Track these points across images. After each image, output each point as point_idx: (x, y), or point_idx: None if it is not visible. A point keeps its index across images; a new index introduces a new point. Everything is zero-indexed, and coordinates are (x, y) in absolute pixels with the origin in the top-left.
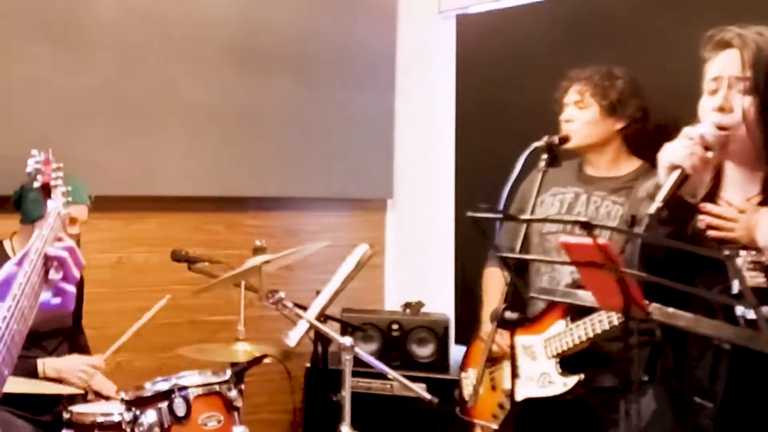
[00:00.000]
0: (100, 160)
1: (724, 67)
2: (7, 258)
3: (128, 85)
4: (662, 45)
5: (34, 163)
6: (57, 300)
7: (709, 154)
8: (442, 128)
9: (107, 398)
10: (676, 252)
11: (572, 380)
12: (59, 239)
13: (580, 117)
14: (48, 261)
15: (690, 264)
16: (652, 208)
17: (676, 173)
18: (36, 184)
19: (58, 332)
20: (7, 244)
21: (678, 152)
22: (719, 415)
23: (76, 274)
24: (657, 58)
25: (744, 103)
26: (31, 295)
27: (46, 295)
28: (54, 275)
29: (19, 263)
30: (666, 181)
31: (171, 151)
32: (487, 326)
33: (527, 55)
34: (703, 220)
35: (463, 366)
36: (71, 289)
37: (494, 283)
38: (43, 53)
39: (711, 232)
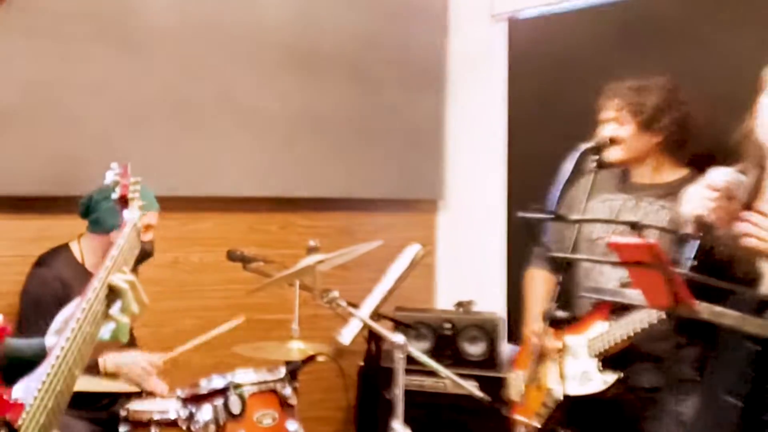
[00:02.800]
0: (158, 161)
1: None
2: (74, 260)
3: (187, 87)
4: (711, 51)
5: (113, 176)
6: (111, 330)
7: (734, 205)
8: (493, 130)
9: (161, 397)
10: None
11: (611, 378)
12: (134, 271)
13: (619, 133)
14: (111, 291)
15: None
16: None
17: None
18: (114, 196)
19: None
20: (74, 246)
21: (693, 203)
22: (748, 414)
23: (134, 309)
24: (706, 63)
25: None
26: (93, 322)
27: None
28: (113, 309)
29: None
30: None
31: (227, 152)
32: (530, 326)
33: (578, 59)
34: (740, 228)
35: (512, 367)
36: (125, 320)
37: (537, 284)
38: (104, 57)
39: (747, 240)
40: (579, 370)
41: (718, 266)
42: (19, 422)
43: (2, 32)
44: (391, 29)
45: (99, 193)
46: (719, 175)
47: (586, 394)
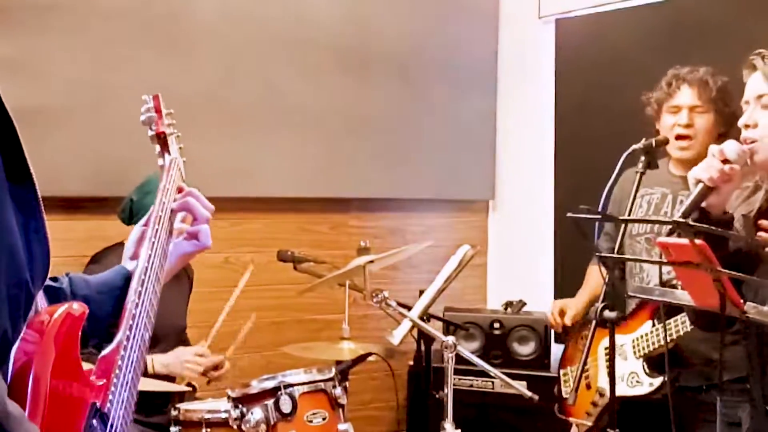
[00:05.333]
0: (206, 162)
1: (750, 89)
2: None
3: (233, 87)
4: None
5: (146, 111)
6: (193, 243)
7: (727, 167)
8: (542, 130)
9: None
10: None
11: (657, 381)
12: (180, 190)
13: (699, 123)
14: (173, 215)
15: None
16: (676, 216)
17: (699, 186)
18: (150, 133)
19: (173, 332)
20: None
21: (700, 166)
22: None
23: (205, 213)
24: None
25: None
26: (161, 255)
27: (180, 246)
28: (180, 224)
29: (147, 223)
30: (691, 192)
31: (276, 152)
32: (558, 306)
33: (625, 59)
34: (760, 236)
35: (561, 364)
36: (205, 227)
37: (589, 280)
38: (151, 58)
39: None
40: (626, 371)
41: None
42: (108, 405)
43: (49, 33)
44: (441, 29)
45: (137, 192)
46: (724, 145)
47: (633, 395)
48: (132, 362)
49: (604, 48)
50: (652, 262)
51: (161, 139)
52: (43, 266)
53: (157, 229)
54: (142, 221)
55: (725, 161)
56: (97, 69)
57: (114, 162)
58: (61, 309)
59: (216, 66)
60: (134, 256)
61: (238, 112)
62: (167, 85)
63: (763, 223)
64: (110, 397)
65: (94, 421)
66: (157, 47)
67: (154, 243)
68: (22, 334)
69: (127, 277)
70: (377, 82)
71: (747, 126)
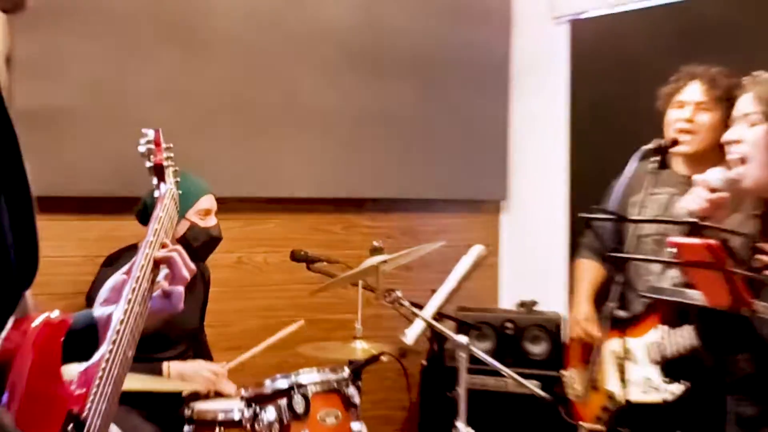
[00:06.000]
0: (222, 162)
1: (738, 108)
2: None
3: (251, 89)
4: None
5: (146, 143)
6: (166, 302)
7: (714, 196)
8: (555, 131)
9: (228, 397)
10: None
11: (679, 389)
12: (164, 245)
13: (702, 119)
14: (157, 265)
15: None
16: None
17: (692, 219)
18: (148, 164)
19: (185, 336)
20: None
21: (690, 199)
22: None
23: (186, 274)
24: None
25: (754, 132)
26: (141, 301)
27: (155, 300)
28: (161, 279)
29: (128, 272)
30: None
31: (289, 153)
32: (575, 312)
33: (640, 59)
34: (758, 259)
35: (564, 365)
36: (179, 289)
37: (585, 272)
38: (169, 59)
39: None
40: (640, 376)
41: None
42: (85, 413)
43: (68, 34)
44: (456, 30)
45: (151, 195)
46: (707, 174)
47: (651, 401)
48: (113, 376)
49: (618, 49)
50: (663, 262)
51: (158, 170)
52: (32, 268)
53: (147, 253)
54: (124, 269)
55: (712, 190)
56: (116, 70)
57: (131, 162)
58: (42, 317)
59: (232, 68)
60: (106, 302)
61: (252, 114)
62: (184, 86)
63: (764, 246)
64: (88, 405)
65: (70, 427)
66: (174, 49)
67: (143, 266)
68: (4, 333)
69: (91, 325)
70: (391, 83)
71: (730, 142)
